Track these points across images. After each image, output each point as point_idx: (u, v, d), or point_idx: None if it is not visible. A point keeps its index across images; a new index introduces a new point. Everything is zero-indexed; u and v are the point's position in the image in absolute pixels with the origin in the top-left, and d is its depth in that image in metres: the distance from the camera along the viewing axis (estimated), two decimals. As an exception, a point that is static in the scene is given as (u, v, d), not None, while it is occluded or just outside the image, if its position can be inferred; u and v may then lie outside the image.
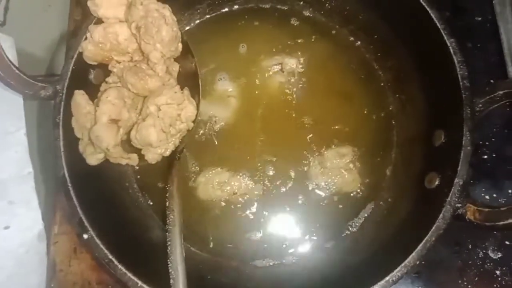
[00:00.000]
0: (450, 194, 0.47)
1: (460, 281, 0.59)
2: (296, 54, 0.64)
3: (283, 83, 0.64)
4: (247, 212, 0.60)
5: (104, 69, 0.57)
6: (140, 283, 0.47)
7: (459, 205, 0.46)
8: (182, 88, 0.54)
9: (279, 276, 0.57)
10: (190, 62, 0.56)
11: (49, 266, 0.62)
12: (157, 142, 0.50)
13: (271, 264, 0.59)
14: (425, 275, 0.59)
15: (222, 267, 0.57)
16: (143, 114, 0.52)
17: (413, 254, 0.46)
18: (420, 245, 0.46)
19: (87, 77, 0.56)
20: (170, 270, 0.45)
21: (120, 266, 0.47)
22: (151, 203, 0.60)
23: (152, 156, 0.51)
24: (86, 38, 0.52)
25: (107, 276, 0.62)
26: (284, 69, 0.64)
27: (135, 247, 0.52)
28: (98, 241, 0.48)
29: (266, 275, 0.57)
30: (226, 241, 0.59)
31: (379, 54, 0.63)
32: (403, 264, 0.46)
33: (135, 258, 0.49)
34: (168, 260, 0.46)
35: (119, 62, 0.55)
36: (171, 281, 0.44)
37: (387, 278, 0.45)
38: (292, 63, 0.64)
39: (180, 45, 0.55)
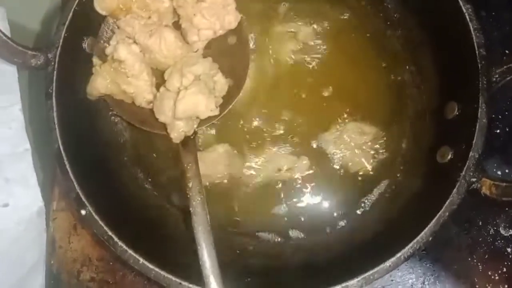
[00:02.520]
0: (465, 168, 0.44)
1: (469, 259, 0.58)
2: (311, 22, 0.62)
3: (297, 51, 0.61)
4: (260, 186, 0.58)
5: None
6: (141, 260, 0.45)
7: (474, 179, 0.44)
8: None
9: (286, 251, 0.55)
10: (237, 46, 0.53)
11: (48, 243, 0.60)
12: (206, 111, 0.47)
13: (277, 240, 0.57)
14: (433, 252, 0.58)
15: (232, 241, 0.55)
16: (173, 84, 0.47)
17: (426, 230, 0.44)
18: (433, 220, 0.44)
19: (80, 45, 0.53)
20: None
21: (120, 243, 0.46)
22: (150, 179, 0.58)
23: (178, 135, 0.48)
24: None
25: (107, 253, 0.61)
26: (298, 37, 0.61)
27: (133, 223, 0.50)
28: (96, 217, 0.46)
29: (273, 250, 0.56)
30: (239, 215, 0.57)
31: (388, 23, 0.60)
32: (415, 240, 0.44)
33: (134, 235, 0.47)
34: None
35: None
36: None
37: (398, 255, 0.43)
38: (308, 31, 0.61)
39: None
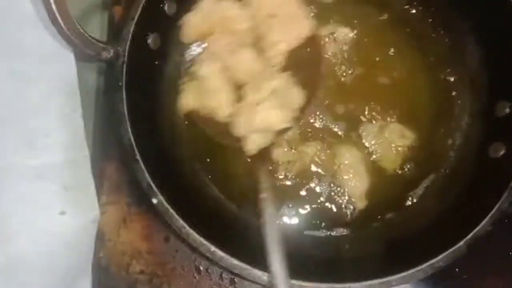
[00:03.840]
0: (522, 162, 0.47)
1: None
2: (349, 23, 0.64)
3: (336, 53, 0.63)
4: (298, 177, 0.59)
5: (160, 34, 0.56)
6: (213, 247, 0.46)
7: (531, 172, 0.46)
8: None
9: (334, 245, 0.57)
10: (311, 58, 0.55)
11: (97, 237, 0.60)
12: (280, 124, 0.49)
13: (323, 235, 0.58)
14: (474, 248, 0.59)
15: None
16: (250, 99, 0.50)
17: (485, 220, 0.46)
18: (493, 211, 0.46)
19: (146, 42, 0.55)
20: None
21: (191, 231, 0.47)
22: (210, 177, 0.59)
23: (252, 147, 0.50)
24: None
25: (157, 245, 0.62)
26: (337, 38, 0.63)
27: (197, 213, 0.51)
28: (167, 205, 0.47)
29: (319, 244, 0.57)
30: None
31: (434, 24, 0.62)
32: (474, 232, 0.46)
33: (203, 224, 0.48)
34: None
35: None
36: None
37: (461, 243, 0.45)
38: (345, 32, 0.63)
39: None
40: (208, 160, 0.59)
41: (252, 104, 0.50)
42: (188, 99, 0.52)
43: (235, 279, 0.61)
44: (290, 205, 0.58)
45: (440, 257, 0.45)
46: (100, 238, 0.61)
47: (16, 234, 0.51)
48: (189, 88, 0.52)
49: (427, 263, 0.45)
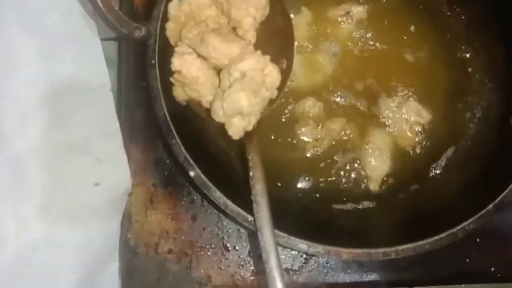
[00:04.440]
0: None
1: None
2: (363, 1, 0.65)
3: (352, 32, 0.65)
4: (327, 153, 0.61)
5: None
6: (250, 217, 0.47)
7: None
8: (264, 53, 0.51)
9: (362, 217, 0.59)
10: (278, 23, 0.54)
11: (125, 217, 0.61)
12: (248, 107, 0.47)
13: (350, 208, 0.60)
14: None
15: (306, 209, 0.58)
16: (224, 83, 0.49)
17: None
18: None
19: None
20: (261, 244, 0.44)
21: (229, 202, 0.48)
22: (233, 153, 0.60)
23: (236, 131, 0.49)
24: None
25: (185, 225, 0.63)
26: (353, 18, 0.64)
27: (235, 185, 0.52)
28: (204, 178, 0.48)
29: (347, 216, 0.59)
30: (308, 182, 0.60)
31: (450, 3, 0.64)
32: (503, 194, 0.48)
33: (238, 195, 0.49)
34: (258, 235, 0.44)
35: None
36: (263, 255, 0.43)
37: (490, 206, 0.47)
38: (360, 10, 0.64)
39: (268, 7, 0.53)
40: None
41: (224, 89, 0.49)
42: (177, 92, 0.52)
43: (261, 255, 0.62)
44: (318, 180, 0.60)
45: (471, 219, 0.47)
46: (128, 219, 0.62)
47: (52, 208, 0.52)
48: (175, 81, 0.51)
49: (459, 227, 0.47)
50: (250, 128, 0.50)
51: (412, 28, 0.64)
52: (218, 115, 0.49)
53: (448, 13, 0.64)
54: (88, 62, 0.56)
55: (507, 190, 0.48)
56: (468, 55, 0.63)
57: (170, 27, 0.51)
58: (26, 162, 0.52)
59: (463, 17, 0.63)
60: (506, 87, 0.57)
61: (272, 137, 0.61)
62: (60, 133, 0.53)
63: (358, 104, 0.62)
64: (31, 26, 0.54)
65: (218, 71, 0.51)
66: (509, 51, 0.58)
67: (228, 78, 0.49)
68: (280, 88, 0.51)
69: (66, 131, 0.54)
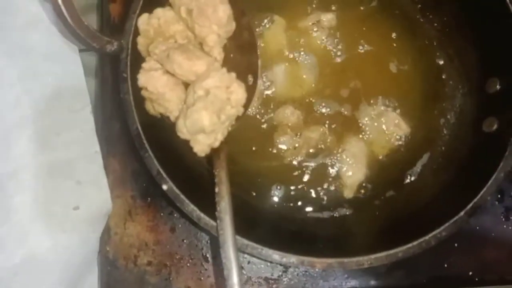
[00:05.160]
0: (515, 132, 0.49)
1: (505, 226, 0.62)
2: (330, 8, 0.65)
3: (324, 40, 0.65)
4: (304, 162, 0.61)
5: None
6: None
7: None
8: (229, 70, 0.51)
9: (338, 224, 0.59)
10: (245, 39, 0.54)
11: (104, 231, 0.61)
12: (210, 126, 0.47)
13: (326, 216, 0.60)
14: (471, 221, 0.62)
15: (282, 218, 0.58)
16: (189, 100, 0.49)
17: (484, 190, 0.48)
18: (490, 180, 0.48)
19: (147, 34, 0.56)
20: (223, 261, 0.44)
21: (203, 215, 0.48)
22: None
23: (201, 148, 0.49)
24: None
25: (164, 236, 0.63)
26: (323, 26, 0.65)
27: (208, 198, 0.52)
28: (177, 191, 0.48)
29: (324, 224, 0.59)
30: (283, 191, 0.60)
31: (422, 9, 0.65)
32: (474, 201, 0.48)
33: (212, 208, 0.49)
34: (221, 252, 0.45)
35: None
36: (225, 271, 0.44)
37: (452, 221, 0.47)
38: (329, 18, 0.64)
39: (234, 24, 0.53)
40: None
41: (188, 106, 0.49)
42: (149, 107, 0.52)
43: (243, 265, 0.62)
44: (294, 188, 0.60)
45: (443, 227, 0.47)
46: (107, 232, 0.62)
47: (31, 232, 0.52)
48: (144, 96, 0.52)
49: (431, 234, 0.47)
50: (216, 144, 0.50)
51: (385, 36, 0.65)
52: (182, 133, 0.49)
53: (422, 20, 0.64)
54: (69, 83, 0.56)
55: (478, 196, 0.48)
56: (442, 62, 0.63)
57: (140, 41, 0.52)
58: (8, 183, 0.52)
59: (435, 24, 0.64)
60: (479, 92, 0.58)
61: (250, 146, 0.61)
62: (42, 154, 0.53)
63: (339, 110, 0.63)
64: (11, 47, 0.54)
65: (187, 86, 0.51)
66: (480, 57, 0.59)
67: (192, 95, 0.49)
68: (246, 105, 0.51)
69: (48, 152, 0.54)
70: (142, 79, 0.49)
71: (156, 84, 0.49)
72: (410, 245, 0.47)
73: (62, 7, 0.45)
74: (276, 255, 0.47)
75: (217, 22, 0.50)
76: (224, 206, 0.45)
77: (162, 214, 0.63)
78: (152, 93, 0.49)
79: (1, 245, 0.50)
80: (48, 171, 0.53)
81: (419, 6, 0.65)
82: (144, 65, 0.50)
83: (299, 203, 0.60)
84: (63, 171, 0.54)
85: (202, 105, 0.47)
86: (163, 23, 0.50)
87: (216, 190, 0.46)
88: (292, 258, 0.47)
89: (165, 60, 0.49)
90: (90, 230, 0.57)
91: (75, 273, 0.57)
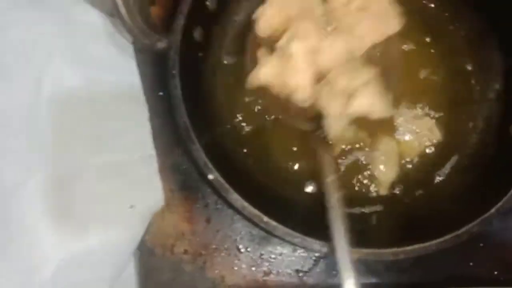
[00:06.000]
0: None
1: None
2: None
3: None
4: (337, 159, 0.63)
5: (203, 28, 0.60)
6: (265, 218, 0.50)
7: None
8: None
9: (367, 221, 0.61)
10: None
11: (143, 220, 0.64)
12: (380, 112, 0.50)
13: (357, 212, 0.63)
14: (497, 221, 0.62)
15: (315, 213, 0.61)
16: (341, 85, 0.50)
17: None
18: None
19: (192, 34, 0.59)
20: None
21: (245, 203, 0.51)
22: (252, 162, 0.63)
23: (335, 131, 0.51)
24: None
25: (199, 227, 0.65)
26: None
27: (251, 189, 0.55)
28: (223, 180, 0.51)
29: (355, 220, 0.61)
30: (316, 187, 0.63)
31: (452, 18, 0.67)
32: (504, 199, 0.51)
33: (255, 198, 0.52)
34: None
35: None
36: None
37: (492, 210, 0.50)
38: None
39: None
40: (252, 144, 0.63)
41: (344, 90, 0.49)
42: (267, 74, 0.52)
43: (273, 257, 0.64)
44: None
45: (475, 222, 0.50)
46: (146, 221, 0.65)
47: (89, 227, 0.55)
48: (270, 62, 0.51)
49: (463, 229, 0.50)
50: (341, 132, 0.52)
51: (428, 39, 0.67)
52: (333, 112, 0.50)
53: (450, 28, 0.67)
54: (127, 90, 0.60)
55: (508, 195, 0.50)
56: (470, 68, 0.66)
57: (271, 14, 0.52)
58: (69, 182, 0.55)
59: (462, 32, 0.67)
60: (505, 98, 0.60)
61: (284, 144, 0.64)
62: (101, 156, 0.57)
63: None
64: (75, 55, 0.58)
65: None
66: (506, 63, 0.61)
67: (349, 81, 0.50)
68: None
69: (107, 154, 0.57)
70: (297, 45, 0.49)
71: (305, 55, 0.49)
72: (442, 239, 0.49)
73: (121, 5, 0.48)
74: (316, 245, 0.49)
75: (384, 32, 0.51)
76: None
77: (198, 206, 0.65)
78: (295, 63, 0.49)
79: (62, 238, 0.53)
80: (106, 172, 0.57)
81: (446, 14, 0.67)
82: (291, 31, 0.50)
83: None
84: (120, 172, 0.57)
85: (374, 90, 0.50)
86: (310, 8, 0.51)
87: (329, 180, 0.50)
88: (330, 247, 0.49)
89: (316, 37, 0.49)
90: (141, 227, 0.60)
91: (122, 265, 0.60)
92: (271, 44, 0.53)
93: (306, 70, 0.50)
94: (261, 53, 0.54)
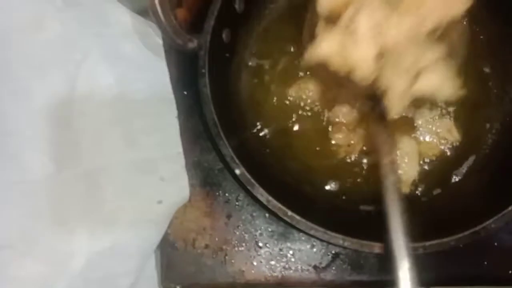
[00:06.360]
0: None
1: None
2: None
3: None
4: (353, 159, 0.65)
5: (231, 29, 0.63)
6: (289, 212, 0.52)
7: None
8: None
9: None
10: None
11: (167, 215, 0.66)
12: (448, 92, 0.48)
13: (376, 209, 0.64)
14: None
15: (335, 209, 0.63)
16: (408, 63, 0.48)
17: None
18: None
19: (221, 35, 0.62)
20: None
21: (270, 197, 0.53)
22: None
23: (399, 110, 0.51)
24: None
25: (220, 223, 0.67)
26: None
27: (277, 184, 0.57)
28: (249, 175, 0.53)
29: (374, 217, 0.63)
30: (336, 185, 0.65)
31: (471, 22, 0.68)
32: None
33: (280, 193, 0.54)
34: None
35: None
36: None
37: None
38: None
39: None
40: (274, 144, 0.65)
41: (410, 68, 0.48)
42: (329, 48, 0.49)
43: (292, 253, 0.66)
44: (348, 183, 0.64)
45: (492, 220, 0.51)
46: (169, 216, 0.66)
47: (119, 222, 0.57)
48: (332, 36, 0.49)
49: (481, 225, 0.51)
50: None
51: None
52: (397, 90, 0.49)
53: (469, 31, 0.68)
54: (157, 89, 0.62)
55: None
56: (488, 70, 0.67)
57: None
58: (99, 176, 0.57)
59: (481, 37, 0.68)
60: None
61: (306, 144, 0.66)
62: (131, 152, 0.59)
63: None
64: (108, 53, 0.60)
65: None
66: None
67: (416, 59, 0.48)
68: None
69: (136, 150, 0.59)
70: (363, 19, 0.47)
71: (370, 30, 0.47)
72: (461, 234, 0.51)
73: (158, 5, 0.50)
74: (338, 239, 0.51)
75: (456, 10, 0.48)
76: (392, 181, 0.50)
77: (219, 202, 0.67)
78: (359, 37, 0.47)
79: (92, 231, 0.55)
80: (136, 168, 0.59)
81: (466, 19, 0.69)
82: (355, 5, 0.48)
83: (351, 196, 0.64)
84: (149, 169, 0.59)
85: (445, 70, 0.48)
86: None
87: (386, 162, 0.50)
88: (353, 241, 0.51)
89: (382, 12, 0.47)
90: (166, 221, 0.62)
91: (147, 258, 0.62)
92: (331, 19, 0.51)
93: (370, 45, 0.48)
94: (321, 28, 0.52)
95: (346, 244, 0.51)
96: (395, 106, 0.52)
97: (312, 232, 0.52)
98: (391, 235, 0.48)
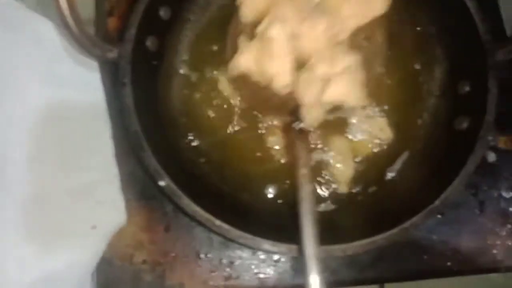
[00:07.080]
0: (482, 130, 0.54)
1: (479, 219, 0.67)
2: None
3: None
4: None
5: (157, 37, 0.61)
6: (217, 221, 0.51)
7: (491, 138, 0.54)
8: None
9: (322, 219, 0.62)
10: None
11: (100, 231, 0.64)
12: (355, 100, 0.48)
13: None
14: (449, 215, 0.66)
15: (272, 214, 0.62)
16: (320, 71, 0.48)
17: (456, 181, 0.53)
18: (461, 172, 0.53)
19: (145, 43, 0.60)
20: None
21: (197, 208, 0.51)
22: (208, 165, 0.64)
23: (312, 120, 0.50)
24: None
25: (158, 236, 0.65)
26: None
27: (204, 194, 0.56)
28: (175, 187, 0.52)
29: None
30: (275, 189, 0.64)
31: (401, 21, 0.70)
32: (447, 191, 0.53)
33: (207, 203, 0.53)
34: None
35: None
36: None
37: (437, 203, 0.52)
38: None
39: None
40: (206, 149, 0.64)
41: (323, 77, 0.47)
42: (247, 60, 0.49)
43: (233, 262, 0.65)
44: (286, 185, 0.64)
45: (420, 215, 0.52)
46: (103, 232, 0.64)
47: (51, 249, 0.55)
48: (249, 48, 0.49)
49: (409, 222, 0.52)
50: (320, 120, 0.52)
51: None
52: (309, 100, 0.48)
53: (399, 30, 0.69)
54: (92, 110, 0.60)
55: (450, 187, 0.53)
56: (418, 67, 0.68)
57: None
58: (30, 205, 0.55)
59: (412, 33, 0.69)
60: (451, 94, 0.63)
61: (243, 150, 0.65)
62: (65, 177, 0.57)
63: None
64: (42, 75, 0.58)
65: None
66: (451, 63, 0.65)
67: (327, 67, 0.48)
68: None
69: (71, 175, 0.57)
70: (276, 30, 0.46)
71: (284, 40, 0.46)
72: (389, 232, 0.51)
73: (69, 18, 0.48)
74: (267, 245, 0.50)
75: (369, 13, 0.48)
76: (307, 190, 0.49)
77: (156, 214, 0.65)
78: (274, 48, 0.47)
79: (22, 262, 0.53)
80: (70, 193, 0.57)
81: (396, 17, 0.69)
82: (270, 16, 0.48)
83: (288, 200, 0.63)
84: (84, 193, 0.58)
85: (351, 78, 0.48)
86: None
87: (302, 172, 0.49)
88: (282, 247, 0.50)
89: (296, 20, 0.47)
90: (102, 245, 0.60)
91: (84, 283, 0.59)
92: (252, 30, 0.51)
93: (285, 56, 0.48)
94: (241, 40, 0.52)
95: (274, 249, 0.50)
96: (310, 115, 0.52)
97: (241, 241, 0.51)
98: (303, 243, 0.47)
